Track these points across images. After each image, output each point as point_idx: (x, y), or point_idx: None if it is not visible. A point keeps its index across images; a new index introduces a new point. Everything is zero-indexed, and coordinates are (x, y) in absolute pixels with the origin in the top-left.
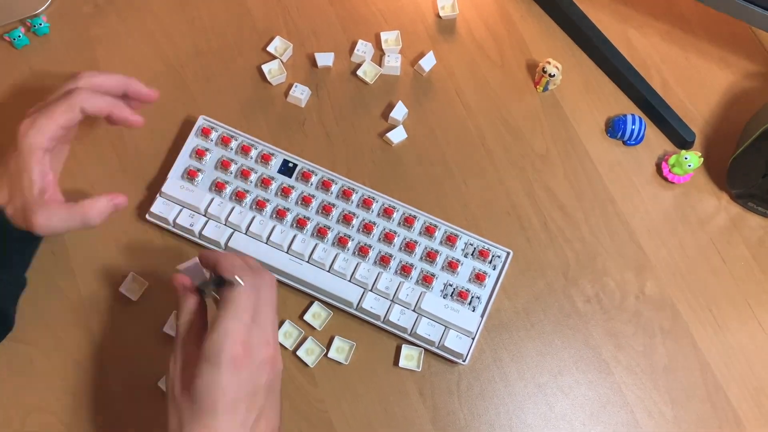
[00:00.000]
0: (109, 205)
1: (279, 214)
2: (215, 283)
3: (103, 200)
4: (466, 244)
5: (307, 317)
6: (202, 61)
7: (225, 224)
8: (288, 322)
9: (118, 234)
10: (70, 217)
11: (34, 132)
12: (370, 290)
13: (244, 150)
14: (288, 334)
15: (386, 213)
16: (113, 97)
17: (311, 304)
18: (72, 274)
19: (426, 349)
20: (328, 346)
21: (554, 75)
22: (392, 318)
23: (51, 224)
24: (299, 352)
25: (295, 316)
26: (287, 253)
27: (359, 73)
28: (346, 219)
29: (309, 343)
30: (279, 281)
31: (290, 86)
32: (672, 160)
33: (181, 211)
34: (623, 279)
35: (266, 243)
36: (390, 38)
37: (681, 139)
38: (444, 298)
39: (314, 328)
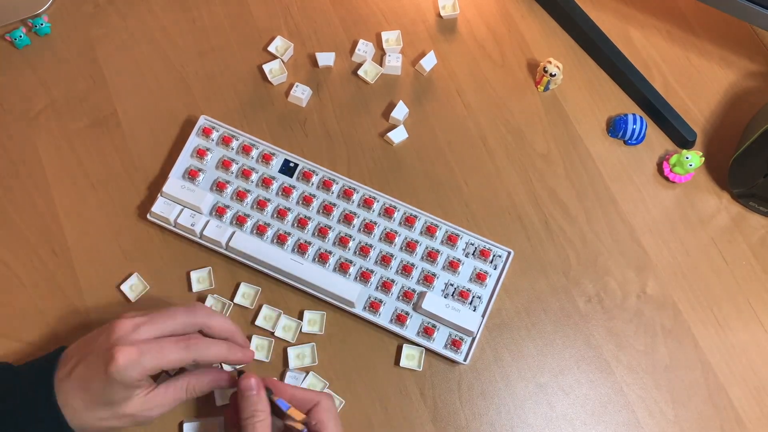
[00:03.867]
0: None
1: (280, 214)
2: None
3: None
4: (467, 243)
5: (305, 318)
6: (203, 60)
7: (227, 224)
8: (284, 316)
9: (120, 233)
10: (177, 399)
11: (136, 368)
12: (372, 290)
13: (245, 150)
14: (287, 328)
15: (387, 213)
16: (225, 344)
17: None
18: (73, 273)
19: (427, 349)
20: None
21: (555, 74)
22: (393, 317)
23: (164, 411)
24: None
25: (295, 315)
26: (288, 252)
27: (360, 72)
28: (347, 219)
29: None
30: (280, 281)
31: (291, 86)
32: (673, 159)
33: (182, 210)
34: (624, 278)
35: (267, 242)
36: (391, 38)
37: (682, 139)
38: (445, 297)
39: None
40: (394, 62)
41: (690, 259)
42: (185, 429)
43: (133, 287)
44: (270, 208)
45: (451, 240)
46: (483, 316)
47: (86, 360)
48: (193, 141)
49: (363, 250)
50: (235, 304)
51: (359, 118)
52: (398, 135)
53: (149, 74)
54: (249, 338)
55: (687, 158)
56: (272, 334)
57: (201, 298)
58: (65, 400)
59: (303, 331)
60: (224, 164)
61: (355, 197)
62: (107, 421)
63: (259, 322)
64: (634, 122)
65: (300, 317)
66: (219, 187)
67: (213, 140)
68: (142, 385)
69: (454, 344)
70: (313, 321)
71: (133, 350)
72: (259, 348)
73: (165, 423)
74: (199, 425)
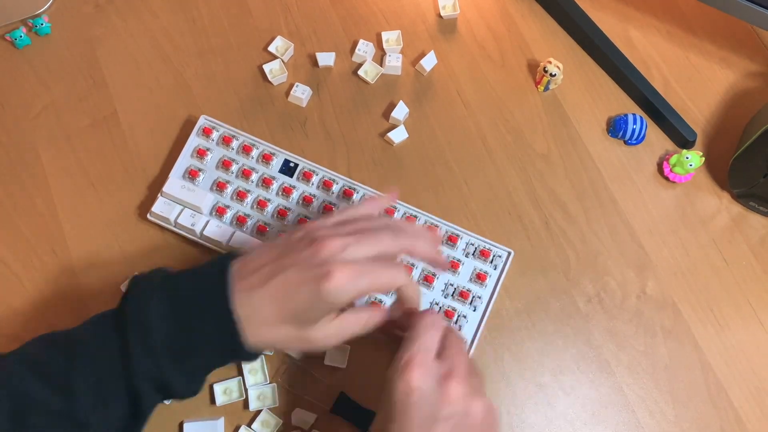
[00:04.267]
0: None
1: (280, 214)
2: None
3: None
4: (467, 243)
5: None
6: (203, 60)
7: (227, 224)
8: None
9: (120, 233)
10: (347, 333)
11: (350, 292)
12: None
13: (245, 150)
14: None
15: (387, 213)
16: (433, 246)
17: None
18: (73, 273)
19: None
20: (323, 354)
21: (555, 74)
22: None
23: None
24: None
25: None
26: None
27: (360, 72)
28: None
29: None
30: None
31: (291, 86)
32: (673, 159)
33: (182, 210)
34: (624, 278)
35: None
36: (391, 38)
37: (682, 139)
38: (445, 297)
39: None
40: (395, 62)
41: (690, 259)
42: (185, 429)
43: None
44: (270, 208)
45: (451, 240)
46: (483, 316)
47: (289, 272)
48: (193, 141)
49: None
50: None
51: (359, 118)
52: (398, 135)
53: (149, 74)
54: None
55: (687, 158)
56: None
57: None
58: (250, 311)
59: None
60: (224, 164)
61: (356, 197)
62: (286, 341)
63: None
64: (634, 122)
65: None
66: (219, 187)
67: (213, 140)
68: (336, 310)
69: None
70: None
71: (352, 271)
72: None
73: (165, 423)
74: (199, 425)
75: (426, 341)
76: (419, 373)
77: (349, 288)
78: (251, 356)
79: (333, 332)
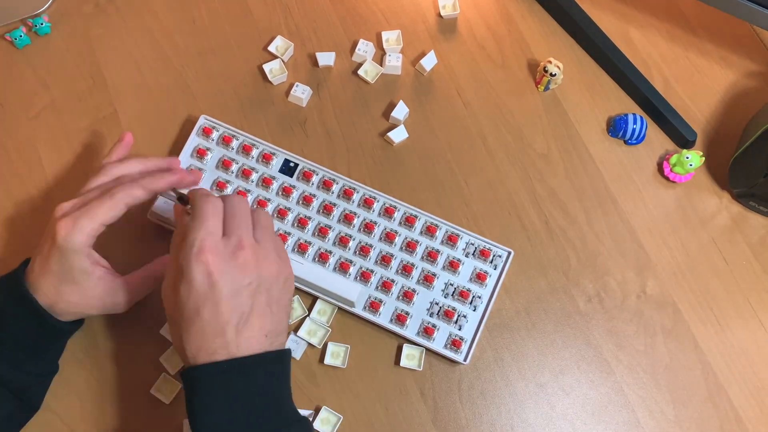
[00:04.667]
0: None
1: (280, 214)
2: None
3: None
4: (467, 243)
5: (313, 315)
6: (203, 60)
7: None
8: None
9: (120, 233)
10: (145, 286)
11: (77, 233)
12: (372, 290)
13: (245, 149)
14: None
15: (387, 212)
16: (150, 176)
17: (315, 300)
18: None
19: (427, 349)
20: (323, 353)
21: (555, 74)
22: (393, 317)
23: (134, 299)
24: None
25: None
26: (288, 252)
27: (360, 72)
28: (347, 218)
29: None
30: None
31: (291, 86)
32: (673, 159)
33: None
34: (624, 278)
35: None
36: (391, 38)
37: (682, 139)
38: (445, 297)
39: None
40: (395, 62)
41: (690, 259)
42: (186, 428)
43: None
44: (270, 207)
45: (451, 240)
46: (483, 316)
47: (40, 247)
48: (194, 141)
49: (363, 250)
50: None
51: (359, 117)
52: (398, 135)
53: (149, 74)
54: None
55: (687, 158)
56: None
57: None
58: (37, 287)
59: (302, 336)
60: (224, 164)
61: (355, 197)
62: (78, 305)
63: None
64: (635, 122)
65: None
66: (219, 186)
67: (213, 140)
68: (95, 258)
69: (454, 344)
70: (313, 331)
71: (68, 218)
72: None
73: (165, 423)
74: None
75: (209, 226)
76: (212, 257)
77: (76, 231)
78: (65, 326)
79: (117, 287)
